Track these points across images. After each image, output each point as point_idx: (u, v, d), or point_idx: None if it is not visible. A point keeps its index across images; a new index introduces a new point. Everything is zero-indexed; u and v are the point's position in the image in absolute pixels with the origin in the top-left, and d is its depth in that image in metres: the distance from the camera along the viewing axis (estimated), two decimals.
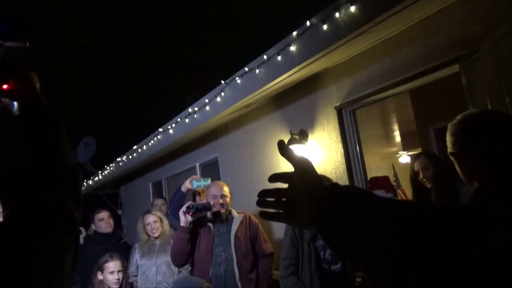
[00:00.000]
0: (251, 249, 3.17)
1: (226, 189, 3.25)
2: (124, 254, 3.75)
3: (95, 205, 4.96)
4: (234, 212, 3.28)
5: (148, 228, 3.85)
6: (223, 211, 3.16)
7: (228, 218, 3.23)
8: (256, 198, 0.75)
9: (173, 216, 4.02)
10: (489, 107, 2.28)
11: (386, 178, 7.29)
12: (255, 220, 3.31)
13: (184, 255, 3.06)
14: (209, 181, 3.92)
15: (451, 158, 1.24)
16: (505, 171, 1.07)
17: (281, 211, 0.74)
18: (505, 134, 1.12)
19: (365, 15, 2.70)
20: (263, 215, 0.78)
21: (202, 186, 3.86)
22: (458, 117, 1.23)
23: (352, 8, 2.73)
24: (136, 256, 3.87)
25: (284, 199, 0.74)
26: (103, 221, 4.34)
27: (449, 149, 1.24)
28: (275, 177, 0.75)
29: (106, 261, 3.22)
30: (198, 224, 3.17)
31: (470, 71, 2.49)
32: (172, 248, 3.13)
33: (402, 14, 2.66)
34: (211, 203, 3.12)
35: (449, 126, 1.25)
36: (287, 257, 2.84)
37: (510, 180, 1.04)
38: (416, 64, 2.93)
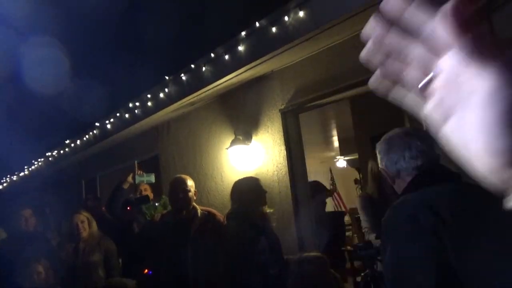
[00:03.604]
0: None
1: (189, 183, 2.96)
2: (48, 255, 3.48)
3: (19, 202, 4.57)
4: (198, 210, 2.98)
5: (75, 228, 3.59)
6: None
7: (190, 216, 2.93)
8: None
9: (110, 213, 3.82)
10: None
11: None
12: (220, 219, 2.99)
13: None
14: (152, 177, 3.76)
15: (383, 173, 1.39)
16: (418, 181, 1.24)
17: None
18: (420, 150, 1.29)
19: (313, 21, 2.77)
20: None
21: (145, 182, 3.69)
22: (384, 136, 1.39)
23: (301, 14, 2.79)
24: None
25: None
26: (23, 219, 3.99)
27: (380, 165, 1.40)
28: None
29: None
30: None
31: None
32: None
33: (346, 24, 2.76)
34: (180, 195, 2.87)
35: (377, 145, 1.40)
36: None
37: (417, 187, 1.21)
38: (357, 73, 3.05)
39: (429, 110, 0.35)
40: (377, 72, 0.38)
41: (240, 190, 2.92)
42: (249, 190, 2.87)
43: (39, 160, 7.41)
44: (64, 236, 3.72)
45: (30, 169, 7.75)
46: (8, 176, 8.87)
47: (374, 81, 0.39)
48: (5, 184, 9.19)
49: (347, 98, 3.67)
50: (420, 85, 0.35)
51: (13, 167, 8.49)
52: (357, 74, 3.06)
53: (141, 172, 3.80)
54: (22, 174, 8.03)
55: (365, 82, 3.07)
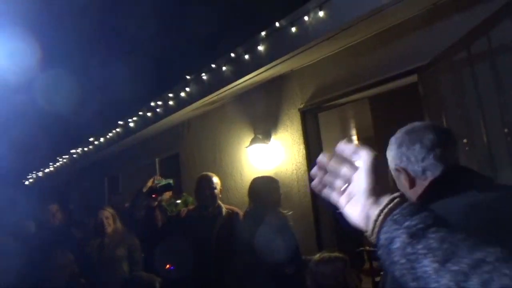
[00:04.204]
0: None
1: (215, 180, 3.00)
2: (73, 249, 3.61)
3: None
4: (223, 208, 3.01)
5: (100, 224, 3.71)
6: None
7: (215, 213, 2.97)
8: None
9: (131, 220, 3.91)
10: (444, 117, 2.43)
11: None
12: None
13: None
14: (170, 182, 3.87)
15: (396, 173, 1.12)
16: (436, 188, 1.01)
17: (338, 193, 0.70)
18: (438, 149, 1.04)
19: (333, 21, 2.78)
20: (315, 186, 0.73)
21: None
22: (402, 128, 1.16)
23: (321, 14, 2.81)
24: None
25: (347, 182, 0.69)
26: (50, 214, 4.16)
27: (393, 163, 1.12)
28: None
29: None
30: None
31: (427, 82, 2.64)
32: None
33: (365, 23, 2.76)
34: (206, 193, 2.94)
35: (393, 138, 1.15)
36: None
37: (435, 196, 0.96)
38: (376, 72, 3.05)
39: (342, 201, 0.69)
40: (317, 180, 0.71)
41: (255, 189, 2.95)
42: (263, 190, 2.89)
43: (63, 157, 7.64)
44: (88, 231, 3.85)
45: (55, 166, 8.00)
46: (34, 172, 9.18)
47: (314, 184, 0.72)
48: (31, 180, 9.51)
49: (366, 97, 3.66)
50: (341, 189, 0.69)
51: (38, 163, 8.78)
52: (376, 74, 3.05)
53: (161, 178, 3.92)
54: (47, 170, 8.30)
55: (384, 81, 3.07)
